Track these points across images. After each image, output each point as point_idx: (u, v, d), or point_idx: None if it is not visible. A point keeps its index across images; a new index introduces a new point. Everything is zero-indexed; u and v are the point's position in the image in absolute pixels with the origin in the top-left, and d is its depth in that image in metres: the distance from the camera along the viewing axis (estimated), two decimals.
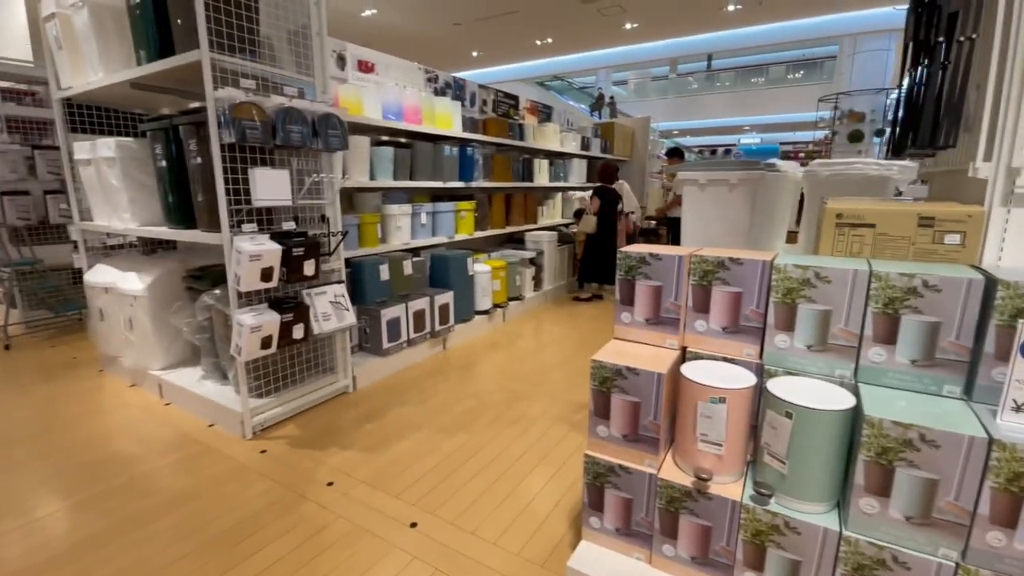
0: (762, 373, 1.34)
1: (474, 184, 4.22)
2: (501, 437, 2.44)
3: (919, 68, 1.58)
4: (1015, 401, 1.01)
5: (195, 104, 2.35)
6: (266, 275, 2.21)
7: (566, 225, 5.95)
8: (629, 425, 1.40)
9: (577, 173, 6.23)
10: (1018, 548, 0.98)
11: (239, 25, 2.20)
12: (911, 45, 1.67)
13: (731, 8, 9.85)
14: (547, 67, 14.56)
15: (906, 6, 1.73)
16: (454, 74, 4.54)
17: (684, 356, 1.48)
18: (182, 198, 2.43)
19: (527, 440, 2.42)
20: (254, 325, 2.21)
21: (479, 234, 4.37)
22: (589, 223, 5.17)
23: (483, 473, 2.14)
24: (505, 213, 4.81)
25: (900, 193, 2.11)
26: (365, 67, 3.67)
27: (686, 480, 1.34)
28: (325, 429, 2.51)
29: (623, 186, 5.66)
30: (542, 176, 5.39)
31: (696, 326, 1.45)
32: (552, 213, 5.72)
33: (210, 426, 2.52)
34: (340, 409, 2.74)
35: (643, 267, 1.48)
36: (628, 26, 10.97)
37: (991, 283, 1.07)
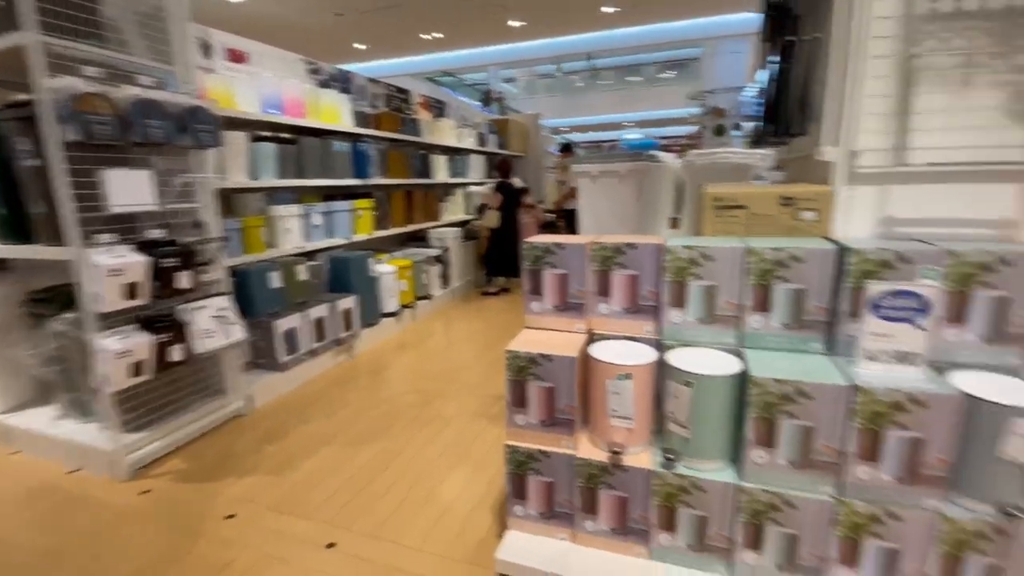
0: (661, 348, 1.43)
1: (370, 181, 4.05)
2: (417, 440, 2.38)
3: (773, 66, 1.78)
4: (868, 351, 1.18)
5: (22, 96, 1.98)
6: (131, 291, 1.93)
7: (469, 221, 5.94)
8: (546, 410, 1.43)
9: (476, 169, 6.24)
10: (882, 478, 1.15)
11: (77, 4, 1.89)
12: (765, 45, 1.88)
13: (608, 10, 10.42)
14: (437, 62, 14.39)
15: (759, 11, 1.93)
16: (339, 66, 4.30)
17: (592, 338, 1.54)
18: (11, 207, 2.04)
19: (445, 439, 2.37)
20: (120, 350, 1.92)
21: (380, 233, 4.20)
22: (492, 218, 5.20)
23: (402, 479, 2.06)
24: (406, 210, 4.68)
25: (761, 178, 2.36)
26: (236, 56, 3.34)
27: (602, 456, 1.39)
28: (219, 458, 2.27)
29: (515, 181, 5.77)
30: (441, 172, 5.32)
31: (600, 309, 1.51)
32: (454, 209, 5.67)
33: (74, 471, 2.16)
34: (235, 434, 2.49)
35: (549, 256, 1.51)
36: (513, 23, 11.18)
37: (843, 251, 1.23)
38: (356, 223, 3.87)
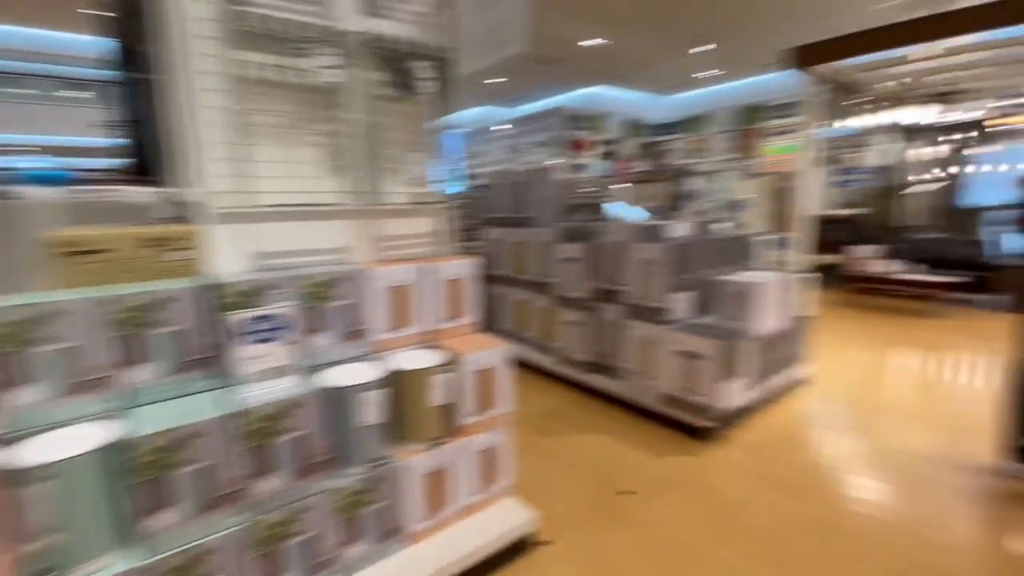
0: (7, 443, 1.07)
1: None
2: None
3: (134, 100, 1.66)
4: (249, 374, 1.27)
5: None
6: None
7: None
8: None
9: None
10: (282, 483, 1.27)
11: None
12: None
13: None
14: None
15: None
16: None
17: None
18: None
19: None
20: None
21: None
22: None
23: None
24: None
25: (163, 219, 2.22)
26: None
27: None
28: None
29: None
30: None
31: None
32: None
33: None
34: None
35: None
36: None
37: (212, 287, 1.27)
38: None
